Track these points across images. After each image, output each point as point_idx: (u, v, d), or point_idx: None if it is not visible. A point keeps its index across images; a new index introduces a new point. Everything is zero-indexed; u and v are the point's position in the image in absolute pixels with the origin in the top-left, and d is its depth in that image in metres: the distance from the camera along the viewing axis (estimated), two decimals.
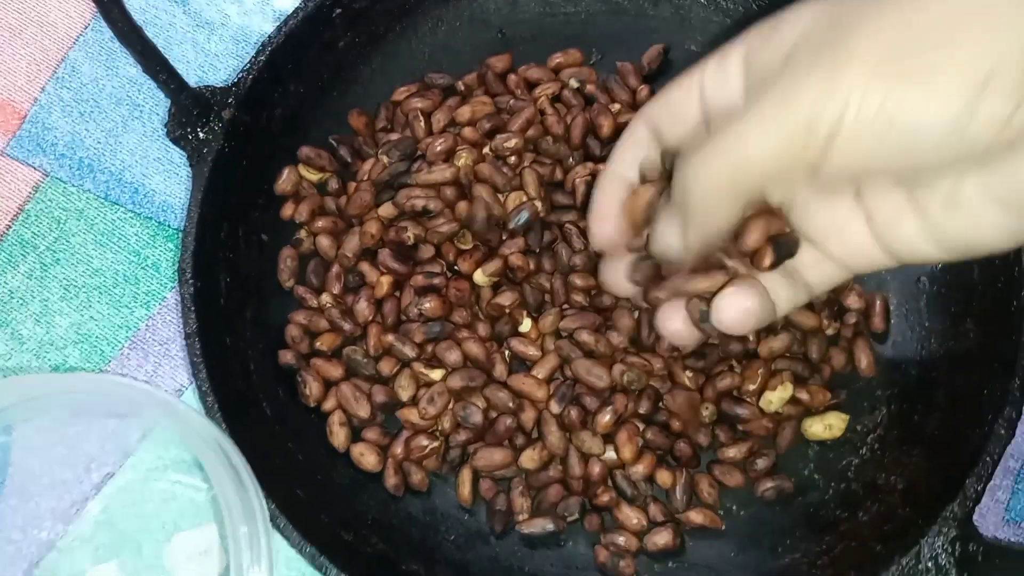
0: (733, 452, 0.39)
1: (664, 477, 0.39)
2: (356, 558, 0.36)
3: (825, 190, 0.29)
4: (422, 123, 0.44)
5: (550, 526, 0.38)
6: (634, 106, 0.44)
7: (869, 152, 0.25)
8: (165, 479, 0.41)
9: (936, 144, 0.24)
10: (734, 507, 0.39)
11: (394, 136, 0.44)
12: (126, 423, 0.42)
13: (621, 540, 0.38)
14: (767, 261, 0.30)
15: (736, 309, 0.30)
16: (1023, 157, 0.25)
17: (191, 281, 0.38)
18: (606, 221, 0.33)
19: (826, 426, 0.39)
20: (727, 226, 0.28)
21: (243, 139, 0.41)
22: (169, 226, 0.45)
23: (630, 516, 0.38)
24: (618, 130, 0.42)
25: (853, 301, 0.41)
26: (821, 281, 0.32)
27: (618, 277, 0.34)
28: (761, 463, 0.39)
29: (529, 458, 0.38)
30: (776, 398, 0.39)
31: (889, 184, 0.28)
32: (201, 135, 0.40)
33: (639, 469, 0.38)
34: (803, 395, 0.39)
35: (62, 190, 0.46)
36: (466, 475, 0.39)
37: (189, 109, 0.40)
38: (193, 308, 0.37)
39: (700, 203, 0.28)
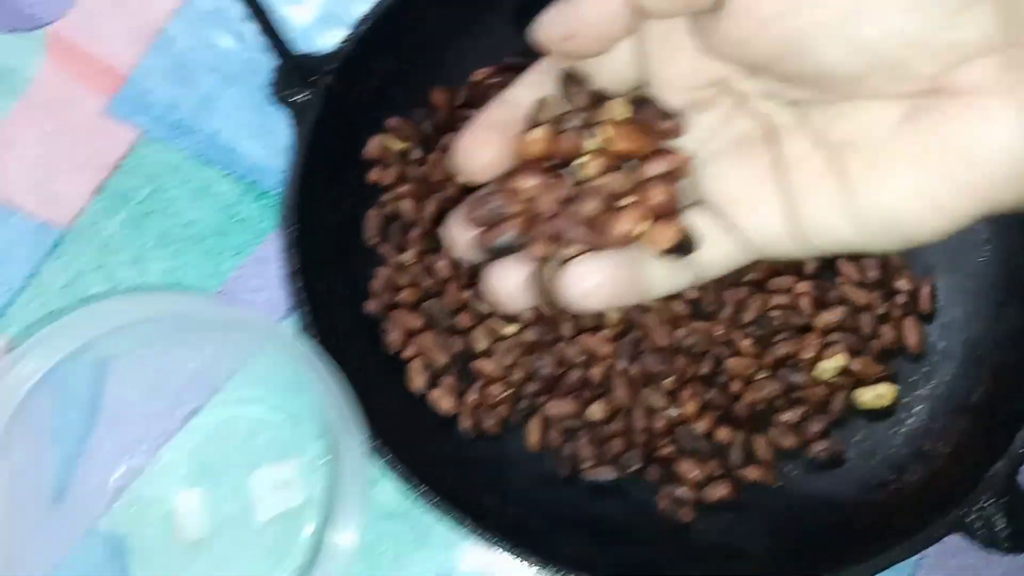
0: (788, 416, 0.41)
1: (723, 434, 0.41)
2: (437, 486, 0.38)
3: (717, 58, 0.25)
4: None
5: (613, 475, 0.41)
6: None
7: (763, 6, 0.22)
8: (250, 414, 0.44)
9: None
10: (788, 467, 0.42)
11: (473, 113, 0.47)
12: (215, 361, 0.44)
13: (680, 491, 0.40)
14: (664, 244, 0.25)
15: (588, 282, 0.26)
16: (971, 105, 0.21)
17: (294, 225, 0.40)
18: (487, 141, 0.26)
19: (876, 395, 0.42)
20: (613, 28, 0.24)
21: (338, 106, 0.44)
22: (259, 186, 0.48)
23: (689, 469, 0.41)
24: None
25: (902, 283, 0.44)
26: (714, 262, 0.26)
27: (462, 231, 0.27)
28: (814, 426, 0.41)
29: (596, 410, 0.41)
30: (830, 367, 0.41)
31: (810, 144, 0.24)
32: (303, 97, 0.43)
33: (700, 425, 0.41)
34: (855, 366, 0.42)
35: (158, 148, 0.49)
36: (535, 423, 0.42)
37: (293, 73, 0.43)
38: (296, 248, 0.40)
39: None
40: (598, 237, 0.26)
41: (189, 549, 0.42)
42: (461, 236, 0.28)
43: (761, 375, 0.42)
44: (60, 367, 0.39)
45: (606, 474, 0.41)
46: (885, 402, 0.42)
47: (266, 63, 0.46)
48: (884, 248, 0.24)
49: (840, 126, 0.23)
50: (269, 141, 0.49)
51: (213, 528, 0.42)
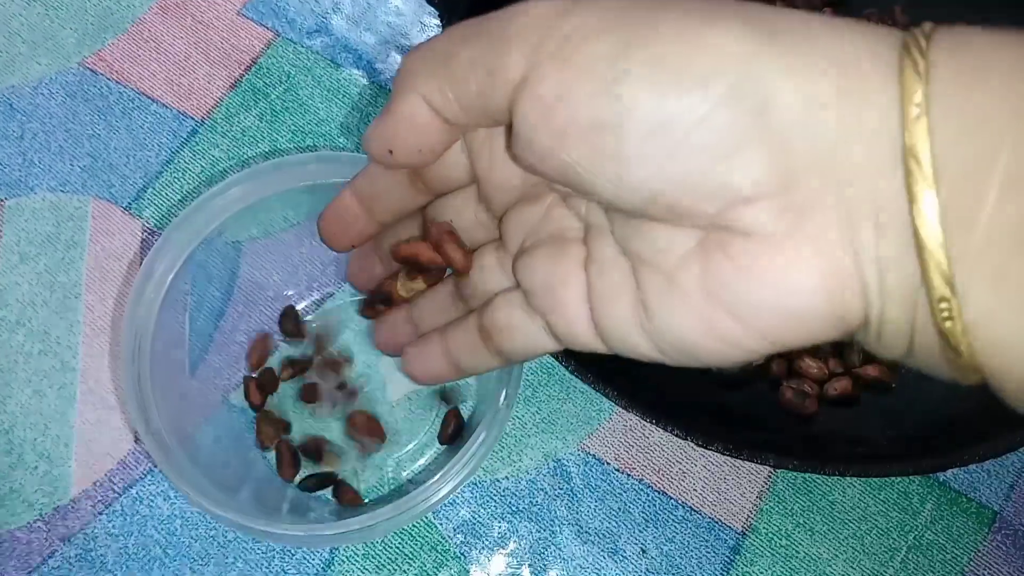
0: None
1: None
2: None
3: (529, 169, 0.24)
4: None
5: (736, 368, 0.42)
6: None
7: (541, 142, 0.22)
8: None
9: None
10: (904, 369, 0.43)
11: None
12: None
13: (803, 385, 0.42)
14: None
15: (417, 367, 0.30)
16: (751, 248, 0.21)
17: None
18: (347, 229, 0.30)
19: None
20: (428, 137, 0.25)
21: (485, 6, 0.46)
22: (390, 90, 0.50)
23: (811, 365, 0.42)
24: None
25: None
26: (519, 349, 0.27)
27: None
28: None
29: None
30: None
31: (616, 252, 0.24)
32: None
33: None
34: None
35: (292, 49, 0.51)
36: None
37: None
38: None
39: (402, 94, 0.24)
40: None
41: (320, 423, 0.43)
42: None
43: None
44: (199, 248, 0.40)
45: (730, 368, 0.42)
46: None
47: None
48: (684, 364, 0.23)
49: (638, 241, 0.23)
50: (398, 48, 0.51)
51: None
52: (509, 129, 0.23)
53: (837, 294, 0.20)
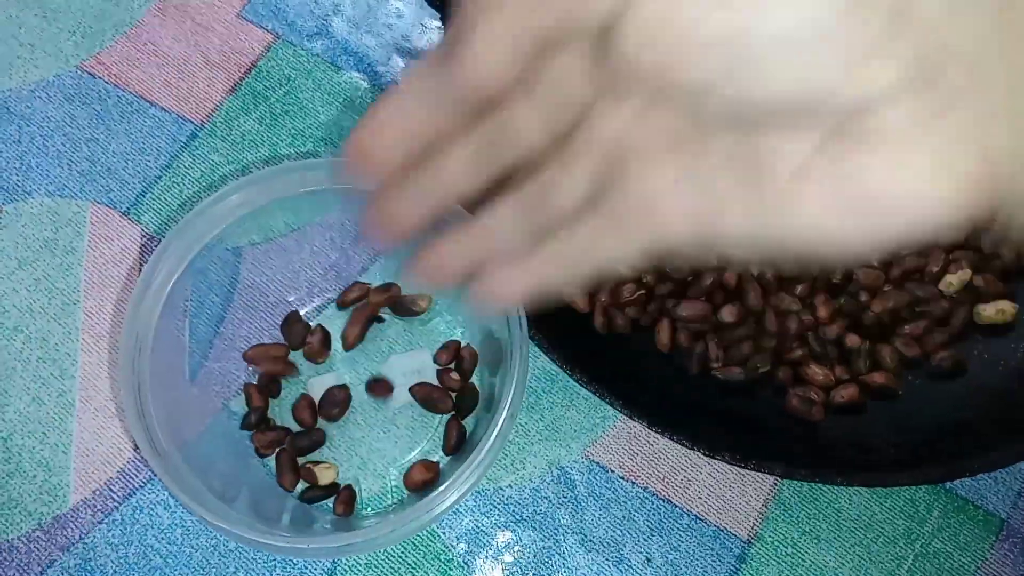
0: (911, 328, 0.43)
1: (852, 340, 0.42)
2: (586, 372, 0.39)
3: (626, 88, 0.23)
4: None
5: (742, 375, 0.42)
6: None
7: (657, 51, 0.20)
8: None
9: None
10: (910, 376, 0.43)
11: None
12: (349, 256, 0.45)
13: (809, 392, 0.41)
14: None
15: (504, 291, 0.26)
16: (882, 149, 0.20)
17: None
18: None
19: (998, 311, 0.43)
20: (507, 67, 0.22)
21: None
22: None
23: (817, 372, 0.42)
24: None
25: None
26: (605, 261, 0.25)
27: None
28: (938, 337, 0.42)
29: (728, 312, 0.42)
30: (956, 280, 0.43)
31: (724, 154, 0.22)
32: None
33: (832, 329, 0.42)
34: (979, 282, 0.43)
35: (292, 52, 0.50)
36: (665, 324, 0.43)
37: None
38: None
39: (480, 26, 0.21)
40: None
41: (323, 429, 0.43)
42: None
43: (888, 287, 0.43)
44: (199, 255, 0.40)
45: (735, 374, 0.42)
46: (1007, 318, 0.43)
47: None
48: (792, 269, 0.23)
49: (754, 147, 0.22)
50: (403, 47, 0.50)
51: (348, 411, 0.43)
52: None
53: (973, 192, 0.20)
